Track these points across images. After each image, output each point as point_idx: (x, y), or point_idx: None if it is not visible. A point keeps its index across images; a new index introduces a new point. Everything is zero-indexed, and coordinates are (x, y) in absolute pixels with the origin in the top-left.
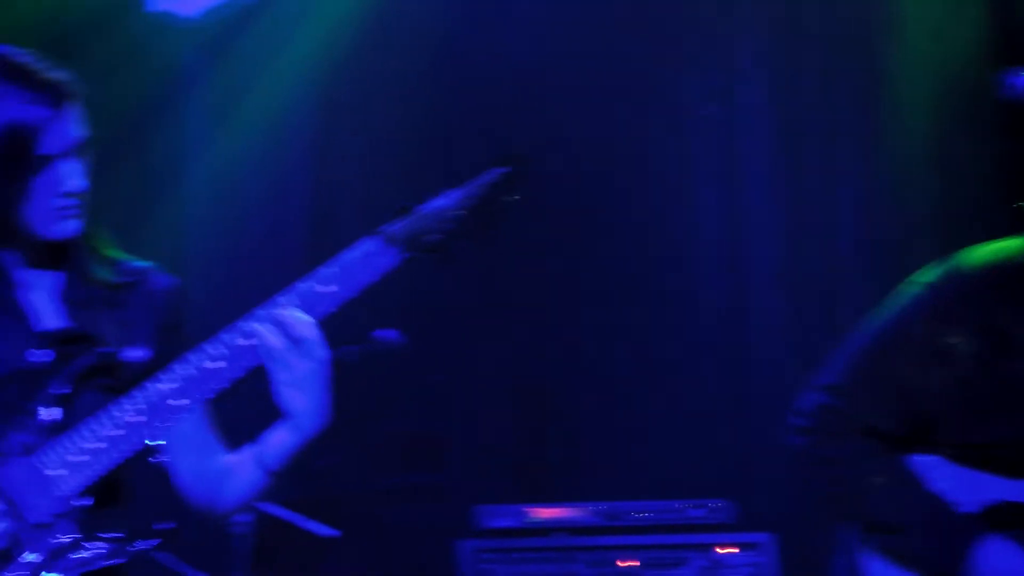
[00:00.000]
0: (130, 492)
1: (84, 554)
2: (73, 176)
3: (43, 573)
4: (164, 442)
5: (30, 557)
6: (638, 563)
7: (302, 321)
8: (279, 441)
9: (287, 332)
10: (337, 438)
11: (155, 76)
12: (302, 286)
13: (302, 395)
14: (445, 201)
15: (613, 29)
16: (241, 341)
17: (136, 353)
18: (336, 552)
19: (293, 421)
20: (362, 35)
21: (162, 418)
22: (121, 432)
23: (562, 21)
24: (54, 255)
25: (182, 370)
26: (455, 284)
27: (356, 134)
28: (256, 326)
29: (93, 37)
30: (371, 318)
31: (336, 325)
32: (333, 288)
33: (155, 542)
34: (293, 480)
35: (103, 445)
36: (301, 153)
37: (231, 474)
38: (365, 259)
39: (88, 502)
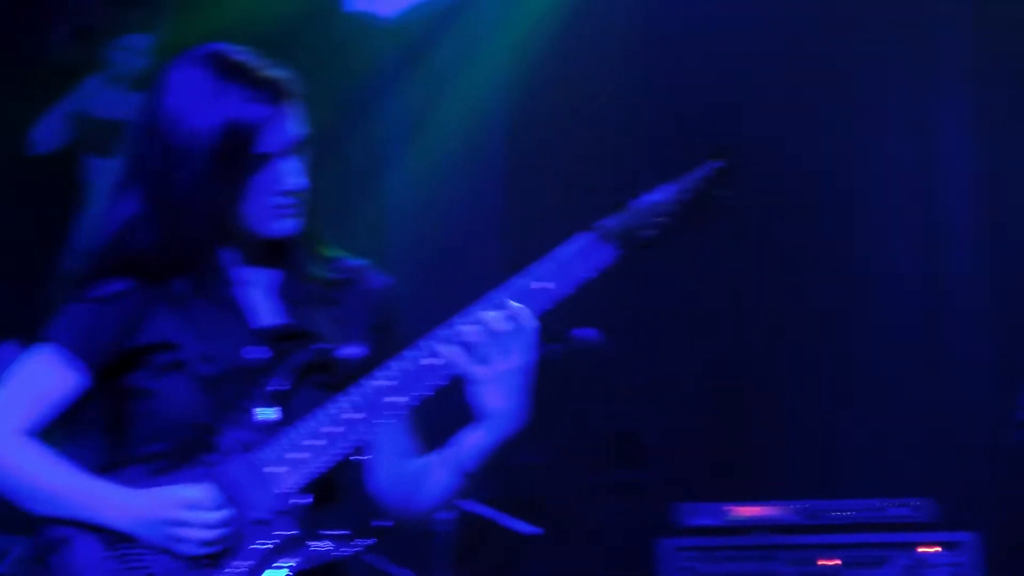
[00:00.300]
0: (347, 489)
1: (303, 551)
2: (292, 174)
3: (263, 569)
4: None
5: (251, 554)
6: (839, 562)
7: (517, 319)
8: (475, 442)
9: (500, 330)
10: (539, 437)
11: (354, 77)
12: (518, 282)
13: (503, 396)
14: (659, 196)
15: (816, 26)
16: (457, 338)
17: (352, 350)
18: (537, 550)
19: (491, 422)
20: (560, 36)
21: (379, 415)
22: (339, 429)
23: (765, 18)
24: (272, 253)
25: (399, 366)
26: (655, 281)
27: (553, 135)
28: (467, 327)
29: (293, 38)
30: (571, 317)
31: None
32: (548, 285)
33: (373, 540)
34: (495, 479)
35: (321, 442)
36: (498, 155)
37: (426, 476)
38: (580, 255)
39: (307, 499)
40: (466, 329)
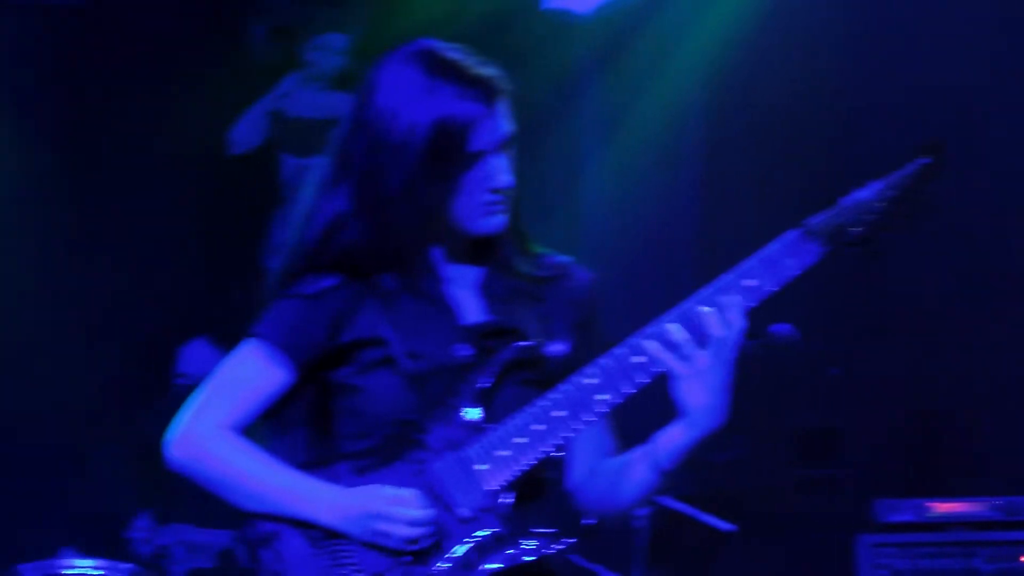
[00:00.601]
0: (552, 487)
1: (510, 550)
2: (502, 172)
3: (469, 567)
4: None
5: (457, 551)
6: None
7: (725, 315)
8: (674, 440)
9: (707, 327)
10: (735, 433)
11: (549, 75)
12: (726, 279)
13: (705, 392)
14: (867, 193)
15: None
16: (663, 336)
17: (557, 347)
18: (733, 546)
19: (691, 419)
20: (757, 32)
21: (585, 413)
22: (544, 427)
23: (971, 20)
24: (479, 250)
25: (604, 364)
26: (852, 276)
27: (750, 133)
28: (674, 324)
29: (489, 35)
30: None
31: None
32: (755, 282)
33: (577, 538)
34: (691, 475)
35: (526, 440)
36: (694, 154)
37: (625, 473)
38: (787, 252)
39: (512, 497)
40: (672, 327)
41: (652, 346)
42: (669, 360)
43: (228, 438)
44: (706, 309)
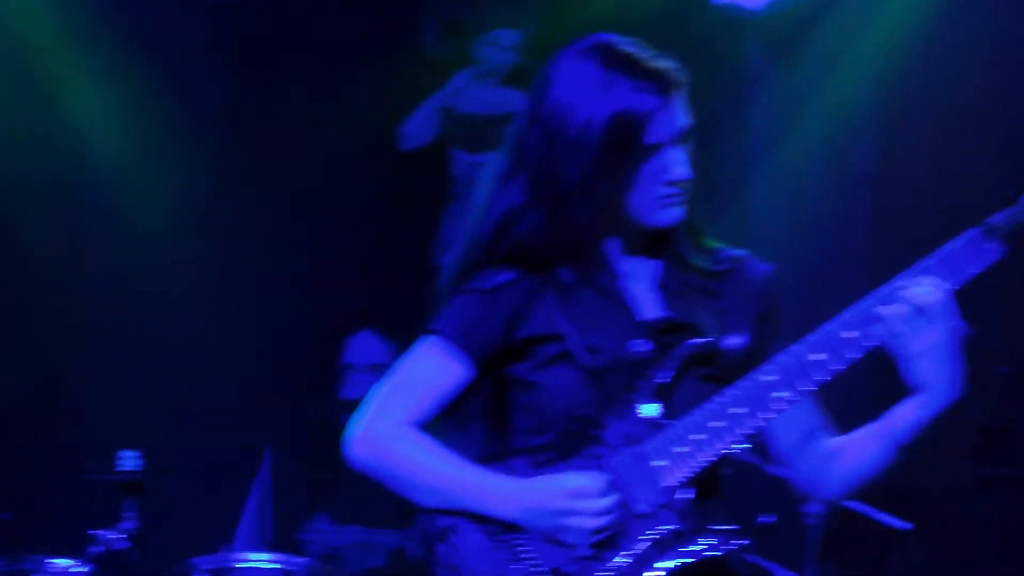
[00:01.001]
0: (729, 484)
1: (688, 546)
2: (678, 165)
3: (645, 564)
4: (758, 433)
5: (634, 547)
6: None
7: (930, 290)
8: (912, 416)
9: (915, 303)
10: None
11: (720, 71)
12: (904, 277)
13: (934, 367)
14: None
15: None
16: (844, 333)
17: (734, 341)
18: (907, 545)
19: (926, 395)
20: (931, 32)
21: (764, 410)
22: (723, 423)
23: None
24: (654, 243)
25: (784, 361)
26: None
27: (924, 134)
28: (881, 307)
29: (661, 31)
30: None
31: None
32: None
33: (754, 536)
34: None
35: (705, 436)
36: (867, 154)
37: (842, 455)
38: (966, 250)
39: (690, 493)
40: (841, 333)
41: (827, 344)
42: (887, 340)
43: (409, 435)
44: (908, 287)
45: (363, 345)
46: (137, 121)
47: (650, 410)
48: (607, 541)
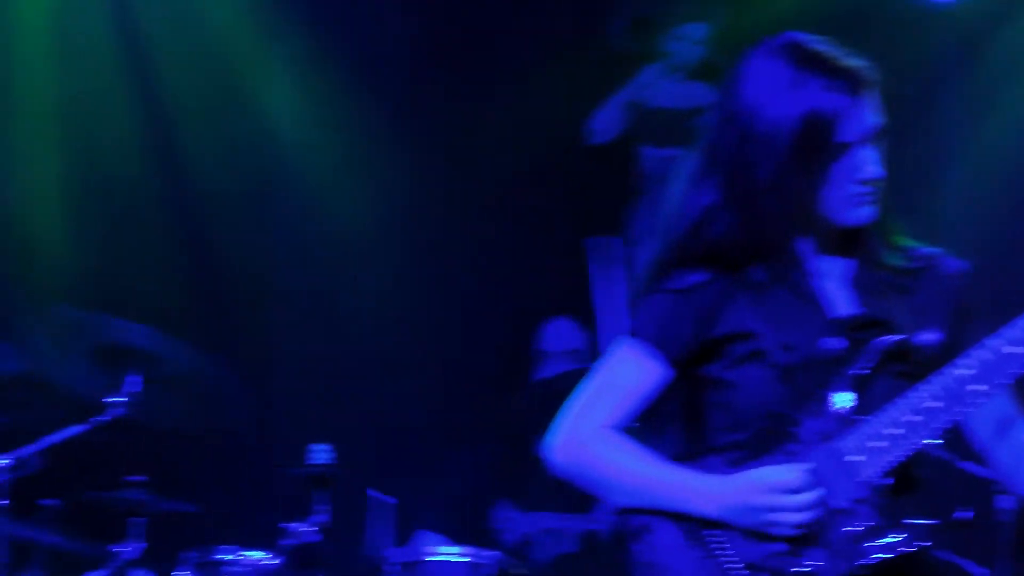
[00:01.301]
0: (925, 479)
1: (884, 541)
2: (870, 163)
3: (843, 559)
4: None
5: (832, 542)
6: None
7: None
8: None
9: None
10: None
11: (912, 66)
12: None
13: None
14: None
15: None
16: None
17: (928, 337)
18: None
19: None
20: None
21: (960, 404)
22: (919, 418)
23: None
24: (846, 242)
25: (979, 355)
26: None
27: None
28: None
29: (851, 25)
30: None
31: None
32: None
33: (951, 532)
34: None
35: (900, 431)
36: None
37: None
38: None
39: (888, 488)
40: None
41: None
42: None
43: (611, 438)
44: None
45: (558, 332)
46: (333, 122)
47: (844, 403)
48: (805, 537)
